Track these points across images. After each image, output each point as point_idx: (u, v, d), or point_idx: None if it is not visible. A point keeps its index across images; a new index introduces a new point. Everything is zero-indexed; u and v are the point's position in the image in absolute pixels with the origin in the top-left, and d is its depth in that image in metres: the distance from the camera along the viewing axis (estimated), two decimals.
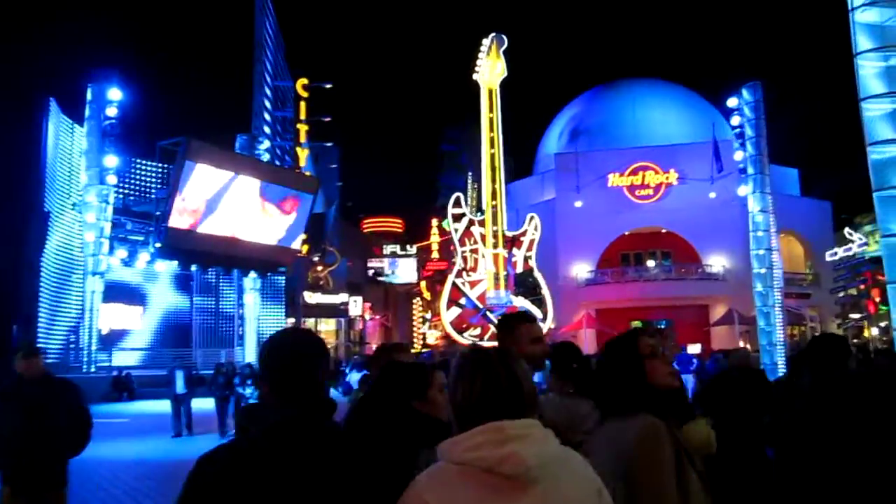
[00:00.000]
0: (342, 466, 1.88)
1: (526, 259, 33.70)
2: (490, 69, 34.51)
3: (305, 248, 37.88)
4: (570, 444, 2.03)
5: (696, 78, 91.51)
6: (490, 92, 34.55)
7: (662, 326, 43.04)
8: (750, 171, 25.19)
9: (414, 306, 67.77)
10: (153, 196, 27.86)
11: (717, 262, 39.31)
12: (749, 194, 25.18)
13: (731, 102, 25.89)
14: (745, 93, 25.50)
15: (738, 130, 25.78)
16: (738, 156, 25.74)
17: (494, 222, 33.41)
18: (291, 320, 38.01)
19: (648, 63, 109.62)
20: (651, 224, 39.72)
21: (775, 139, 27.26)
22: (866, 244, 36.99)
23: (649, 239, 40.97)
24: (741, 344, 34.47)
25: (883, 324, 31.92)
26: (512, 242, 33.66)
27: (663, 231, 40.20)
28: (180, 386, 15.55)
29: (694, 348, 37.19)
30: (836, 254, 38.41)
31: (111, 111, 26.14)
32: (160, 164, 28.72)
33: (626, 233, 40.11)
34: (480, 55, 34.62)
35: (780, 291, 25.24)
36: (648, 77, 47.80)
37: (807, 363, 3.39)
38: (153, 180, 28.95)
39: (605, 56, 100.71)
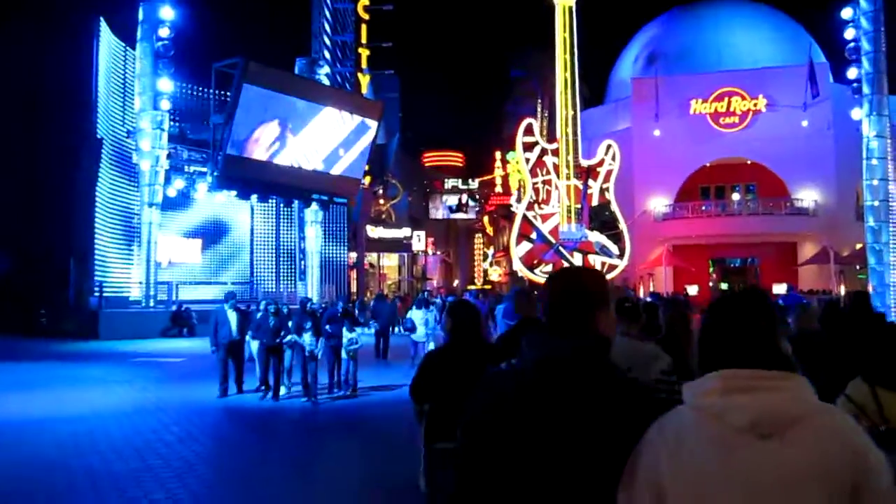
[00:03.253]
0: (611, 406, 1.85)
1: (602, 191, 31.44)
2: None
3: (368, 180, 36.29)
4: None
5: None
6: (565, 10, 31.85)
7: (737, 265, 40.57)
8: (866, 91, 22.36)
9: (475, 242, 66.21)
10: (210, 123, 26.34)
11: (807, 197, 36.41)
12: (864, 117, 22.40)
13: (846, 13, 22.93)
14: (862, 2, 22.52)
15: (852, 45, 22.84)
16: (852, 73, 22.87)
17: (569, 151, 31.11)
18: (353, 254, 36.73)
19: None
20: (735, 154, 36.88)
21: None
22: None
23: (733, 171, 38.18)
24: (836, 286, 31.98)
25: None
26: (587, 173, 31.37)
27: (748, 162, 37.37)
28: (234, 328, 12.11)
29: (780, 288, 34.85)
30: None
31: (164, 32, 24.56)
32: (217, 90, 27.14)
33: (708, 164, 37.40)
34: None
35: None
36: None
37: None
38: (210, 106, 27.44)
39: None
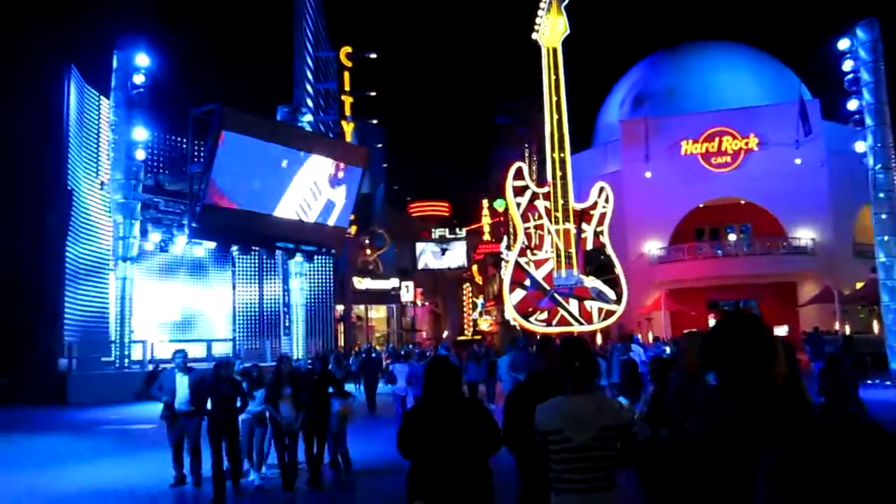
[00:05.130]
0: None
1: (597, 234, 30.44)
2: (551, 27, 31.26)
3: (354, 230, 35.16)
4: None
5: (763, 39, 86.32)
6: (552, 52, 31.30)
7: (728, 308, 39.46)
8: (868, 122, 21.62)
9: (464, 292, 64.97)
10: (187, 172, 25.21)
11: (804, 235, 35.64)
12: (868, 149, 21.60)
13: (843, 44, 22.29)
14: (859, 32, 21.93)
15: (851, 76, 22.18)
16: (853, 105, 22.14)
17: (561, 195, 30.19)
18: (340, 307, 35.39)
19: (710, 25, 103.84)
20: (728, 194, 36.29)
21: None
22: None
23: (727, 211, 37.49)
24: (837, 325, 30.95)
25: None
26: (581, 217, 30.42)
27: (742, 202, 36.74)
28: (182, 397, 9.38)
29: (781, 330, 33.76)
30: None
31: (139, 79, 23.55)
32: (194, 139, 26.06)
33: (701, 205, 36.71)
34: (540, 12, 31.36)
35: None
36: (713, 39, 44.06)
37: None
38: (187, 154, 26.34)
39: (658, 20, 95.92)
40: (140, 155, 23.55)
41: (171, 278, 28.11)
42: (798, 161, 34.47)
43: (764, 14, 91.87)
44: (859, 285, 33.20)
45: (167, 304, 27.82)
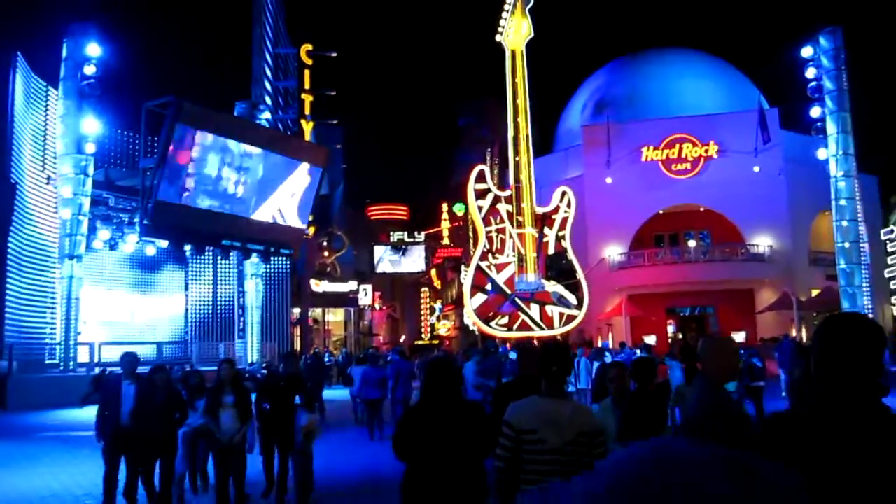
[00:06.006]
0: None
1: (558, 239, 30.19)
2: (515, 29, 30.99)
3: (312, 231, 34.40)
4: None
5: (723, 48, 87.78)
6: (515, 54, 31.03)
7: (686, 314, 39.61)
8: (831, 130, 21.71)
9: (422, 296, 64.53)
10: (140, 167, 24.25)
11: (762, 242, 35.90)
12: (830, 157, 21.70)
13: (806, 52, 22.39)
14: (822, 40, 22.05)
15: (814, 84, 22.28)
16: (815, 112, 22.24)
17: (523, 198, 29.89)
18: (297, 310, 34.59)
19: (671, 32, 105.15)
20: (688, 201, 36.37)
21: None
22: None
23: (686, 217, 37.61)
24: (794, 332, 31.19)
25: None
26: (543, 221, 30.15)
27: (701, 209, 36.88)
28: (125, 408, 7.85)
29: (738, 337, 33.93)
30: (892, 231, 35.09)
31: (90, 69, 22.54)
32: (148, 133, 25.11)
33: (661, 211, 36.74)
34: (504, 14, 31.07)
35: (868, 269, 21.81)
36: (675, 46, 44.37)
37: None
38: (139, 149, 25.35)
39: (621, 27, 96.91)
40: (90, 148, 22.54)
41: (120, 278, 27.09)
42: (756, 169, 34.75)
43: (724, 24, 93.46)
44: (815, 293, 33.60)
45: (116, 304, 26.79)
